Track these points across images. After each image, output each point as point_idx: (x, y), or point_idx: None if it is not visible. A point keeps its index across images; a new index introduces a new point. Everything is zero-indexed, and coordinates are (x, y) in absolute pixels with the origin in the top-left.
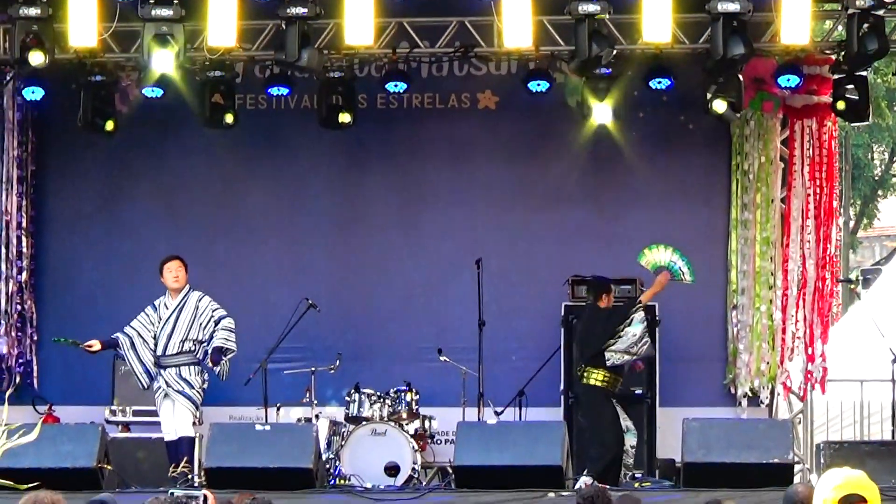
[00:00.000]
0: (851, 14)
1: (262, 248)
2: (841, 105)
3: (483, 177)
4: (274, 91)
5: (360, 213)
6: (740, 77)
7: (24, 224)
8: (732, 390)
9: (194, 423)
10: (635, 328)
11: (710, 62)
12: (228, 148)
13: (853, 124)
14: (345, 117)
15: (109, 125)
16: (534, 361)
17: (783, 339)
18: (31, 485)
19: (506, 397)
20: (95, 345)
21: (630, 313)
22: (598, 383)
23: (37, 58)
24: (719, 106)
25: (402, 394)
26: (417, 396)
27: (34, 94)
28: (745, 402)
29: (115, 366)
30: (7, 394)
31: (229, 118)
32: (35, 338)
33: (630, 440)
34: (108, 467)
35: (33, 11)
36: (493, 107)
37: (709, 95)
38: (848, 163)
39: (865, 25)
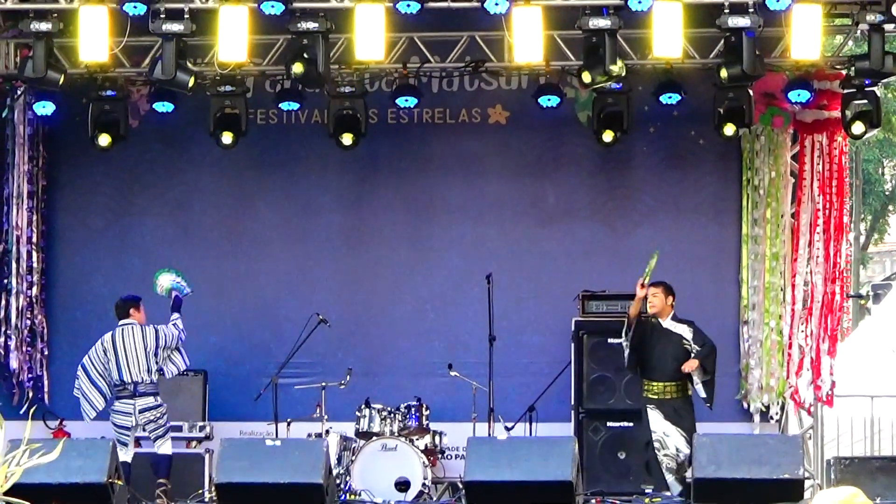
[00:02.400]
0: (871, 27)
1: (272, 263)
2: (857, 129)
3: (493, 192)
4: (284, 106)
5: (370, 227)
6: (750, 91)
7: (34, 239)
8: (745, 406)
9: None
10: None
11: (726, 77)
12: (239, 163)
13: (864, 138)
14: (346, 139)
15: (104, 139)
16: (544, 377)
17: (789, 355)
18: None
19: (516, 413)
20: None
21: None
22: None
23: (61, 79)
24: (729, 129)
25: (413, 409)
26: (428, 412)
27: (45, 108)
28: (758, 418)
29: None
30: (23, 410)
31: (227, 138)
32: (45, 353)
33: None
34: (119, 482)
35: (44, 26)
36: (503, 122)
37: (721, 111)
38: (858, 178)
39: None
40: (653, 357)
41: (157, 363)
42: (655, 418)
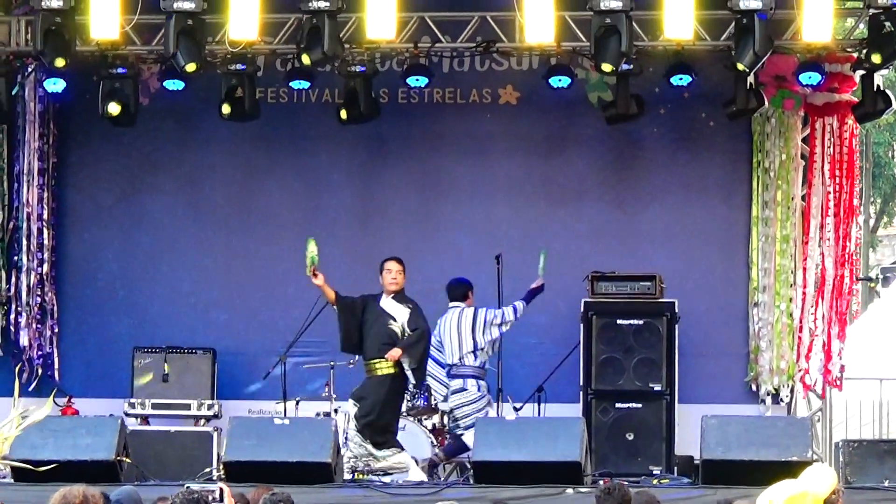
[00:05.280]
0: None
1: (281, 241)
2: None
3: (503, 172)
4: (295, 84)
5: (380, 207)
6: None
7: (44, 216)
8: (754, 388)
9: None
10: None
11: (745, 69)
12: (249, 141)
13: (873, 122)
14: (343, 114)
15: (114, 107)
16: (553, 357)
17: (799, 338)
18: (47, 467)
19: (524, 393)
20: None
21: None
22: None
23: (60, 62)
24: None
25: (421, 389)
26: None
27: (55, 85)
28: (769, 400)
29: (135, 358)
30: (32, 387)
31: (225, 108)
32: (55, 330)
33: None
34: (127, 460)
35: (55, 3)
36: (514, 102)
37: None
38: (868, 161)
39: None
40: (364, 333)
41: (472, 345)
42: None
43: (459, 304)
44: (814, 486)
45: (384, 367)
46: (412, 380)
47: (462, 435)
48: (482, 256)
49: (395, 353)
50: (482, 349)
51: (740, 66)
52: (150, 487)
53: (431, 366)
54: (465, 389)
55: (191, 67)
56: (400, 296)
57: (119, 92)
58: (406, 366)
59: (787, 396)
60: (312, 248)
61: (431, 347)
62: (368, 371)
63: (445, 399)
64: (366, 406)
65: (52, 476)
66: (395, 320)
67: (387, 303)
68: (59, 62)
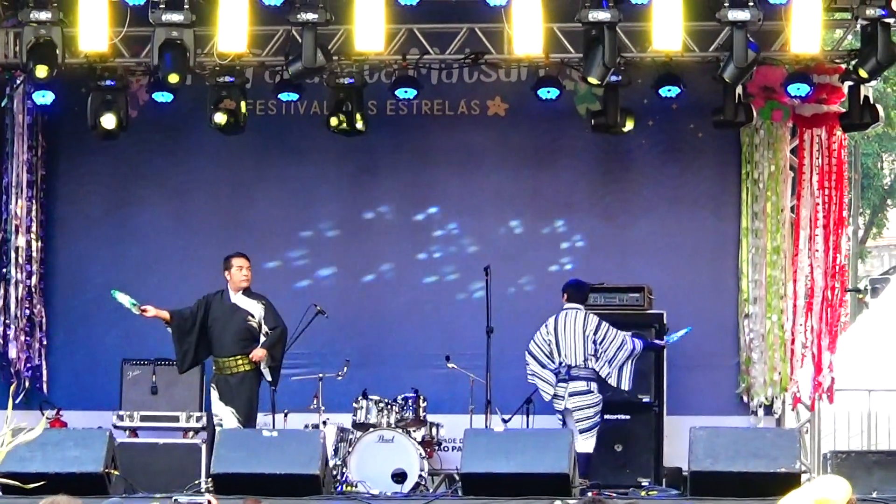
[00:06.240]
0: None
1: (269, 253)
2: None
3: (492, 184)
4: (283, 96)
5: (369, 218)
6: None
7: (33, 228)
8: (745, 399)
9: None
10: None
11: (731, 79)
12: (238, 153)
13: (862, 133)
14: (332, 121)
15: (108, 121)
16: None
17: (792, 350)
18: (36, 484)
19: (513, 405)
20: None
21: None
22: None
23: (41, 72)
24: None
25: (410, 401)
26: (425, 403)
27: (44, 98)
28: (761, 412)
29: (123, 371)
30: (19, 399)
31: (219, 117)
32: (44, 342)
33: None
34: (115, 472)
35: (44, 16)
36: (502, 114)
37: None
38: (857, 172)
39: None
40: (215, 332)
41: (594, 351)
42: (214, 400)
43: (578, 307)
44: (832, 493)
45: (242, 365)
46: (267, 377)
47: (581, 443)
48: (471, 268)
49: (261, 353)
50: (598, 357)
51: (726, 79)
52: (138, 500)
53: (536, 367)
54: (591, 392)
55: (173, 79)
56: (248, 291)
57: (108, 104)
58: (264, 364)
59: (780, 408)
60: (123, 298)
61: (536, 349)
62: (221, 368)
63: (554, 399)
64: (245, 411)
65: (40, 489)
66: (252, 316)
67: (238, 298)
68: (41, 72)
